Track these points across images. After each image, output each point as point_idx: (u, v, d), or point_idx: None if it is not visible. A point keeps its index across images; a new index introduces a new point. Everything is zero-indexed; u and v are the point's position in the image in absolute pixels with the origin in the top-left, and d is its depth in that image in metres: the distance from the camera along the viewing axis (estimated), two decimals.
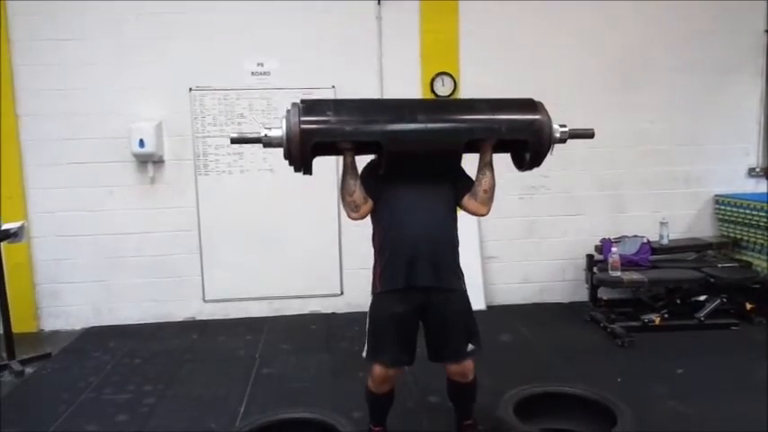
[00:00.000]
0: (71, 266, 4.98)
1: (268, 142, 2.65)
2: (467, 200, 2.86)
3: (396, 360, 2.77)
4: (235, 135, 2.78)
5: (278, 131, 2.63)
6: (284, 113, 2.66)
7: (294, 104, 2.69)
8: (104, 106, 4.87)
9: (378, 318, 2.80)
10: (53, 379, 4.02)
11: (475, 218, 5.11)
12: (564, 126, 2.89)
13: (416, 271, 2.71)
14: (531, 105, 2.87)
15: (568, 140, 5.48)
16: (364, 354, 2.82)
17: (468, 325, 2.82)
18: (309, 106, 2.69)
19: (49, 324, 5.02)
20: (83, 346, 4.63)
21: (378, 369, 2.78)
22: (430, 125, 2.69)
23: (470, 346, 2.80)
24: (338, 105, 2.84)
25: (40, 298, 5.00)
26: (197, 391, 3.73)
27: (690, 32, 5.22)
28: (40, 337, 4.88)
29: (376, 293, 2.83)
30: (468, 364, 2.84)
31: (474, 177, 2.88)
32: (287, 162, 2.69)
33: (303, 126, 2.58)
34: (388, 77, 5.07)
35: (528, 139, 2.77)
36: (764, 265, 4.88)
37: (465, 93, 5.11)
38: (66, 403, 3.57)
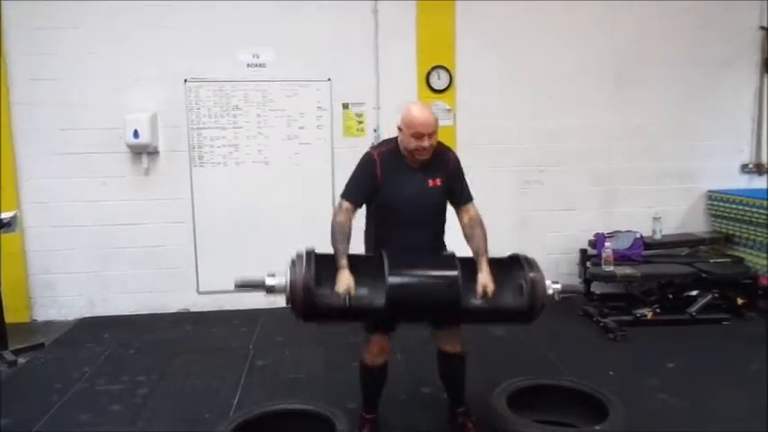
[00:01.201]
0: (65, 257, 4.96)
1: (271, 290, 2.65)
2: (461, 213, 2.95)
3: (385, 326, 2.91)
4: (239, 280, 2.75)
5: (282, 279, 2.63)
6: (290, 262, 2.68)
7: (300, 256, 2.70)
8: (99, 97, 4.84)
9: None
10: (46, 369, 4.01)
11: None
12: (556, 283, 2.84)
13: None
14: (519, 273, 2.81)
15: (562, 134, 5.55)
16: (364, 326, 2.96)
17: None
18: (317, 260, 2.69)
19: (42, 314, 5.01)
20: (76, 336, 4.62)
21: (376, 338, 2.91)
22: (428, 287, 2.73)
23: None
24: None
25: (33, 288, 4.98)
26: (191, 382, 3.74)
27: (684, 28, 5.24)
28: (32, 327, 4.86)
29: None
30: (457, 339, 2.98)
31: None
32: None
33: (306, 280, 2.59)
34: (384, 70, 5.07)
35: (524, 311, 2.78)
36: (756, 260, 4.91)
37: (461, 87, 5.13)
38: (60, 393, 3.57)
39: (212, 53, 4.93)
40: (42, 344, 4.39)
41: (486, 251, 2.83)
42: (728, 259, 5.02)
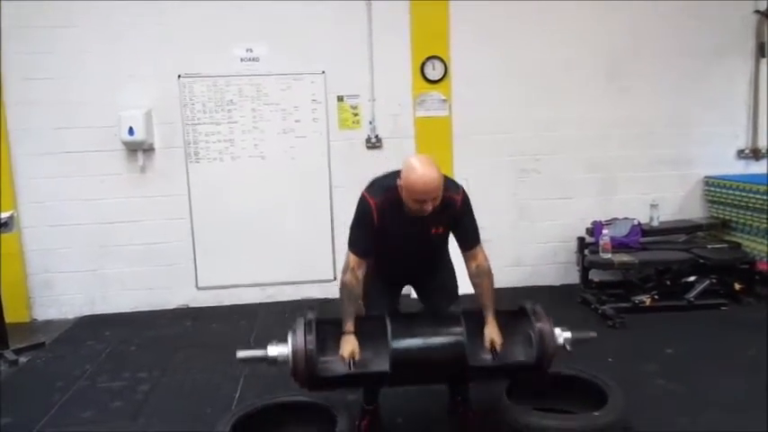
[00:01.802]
0: (63, 256, 4.97)
1: (273, 361, 2.63)
2: (467, 257, 2.82)
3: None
4: (241, 355, 2.72)
5: (284, 350, 2.60)
6: (291, 329, 2.64)
7: (300, 321, 2.67)
8: (94, 95, 4.84)
9: (368, 275, 2.88)
10: (47, 367, 4.02)
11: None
12: (566, 330, 2.76)
13: (406, 278, 3.00)
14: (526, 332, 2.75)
15: (558, 123, 5.53)
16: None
17: (451, 290, 2.99)
18: (318, 326, 2.65)
19: (42, 314, 5.02)
20: (77, 334, 4.63)
21: None
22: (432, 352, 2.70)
23: (452, 308, 2.93)
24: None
25: (32, 288, 4.99)
26: (192, 378, 3.75)
27: (678, 15, 5.21)
28: (33, 326, 4.88)
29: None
30: None
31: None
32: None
33: (310, 348, 2.56)
34: (379, 62, 5.05)
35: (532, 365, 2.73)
36: (753, 245, 4.92)
37: (456, 77, 5.11)
38: (61, 391, 3.59)
39: (205, 48, 4.92)
40: (43, 343, 4.41)
41: (493, 304, 2.76)
42: (726, 245, 5.02)
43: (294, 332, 2.62)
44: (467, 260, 2.79)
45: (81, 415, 3.31)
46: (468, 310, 2.80)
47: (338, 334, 2.69)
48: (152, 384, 3.66)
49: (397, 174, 2.62)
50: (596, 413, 2.75)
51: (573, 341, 2.77)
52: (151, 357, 4.07)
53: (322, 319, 2.72)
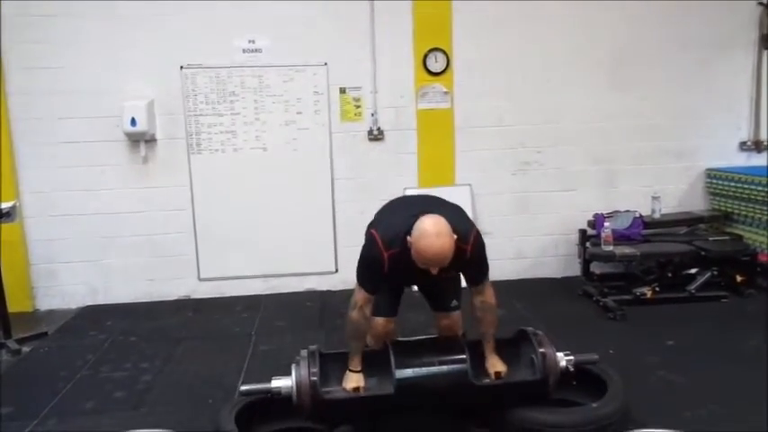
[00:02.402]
0: (65, 246, 4.97)
1: (278, 393, 2.62)
2: (474, 293, 2.83)
3: (390, 312, 2.97)
4: (244, 389, 2.72)
5: (287, 382, 2.60)
6: (295, 361, 2.65)
7: (304, 353, 2.67)
8: (95, 85, 4.83)
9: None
10: (50, 357, 4.04)
11: (468, 194, 5.17)
12: (569, 354, 2.78)
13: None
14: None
15: (560, 115, 5.51)
16: None
17: (455, 285, 3.01)
18: (322, 358, 2.67)
19: (45, 303, 5.03)
20: (79, 324, 4.64)
21: (379, 321, 2.92)
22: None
23: (454, 302, 3.01)
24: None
25: (35, 278, 5.00)
26: (194, 368, 3.76)
27: (682, 6, 5.18)
28: (35, 316, 4.89)
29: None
30: (456, 318, 3.03)
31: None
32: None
33: (314, 380, 2.57)
34: (381, 54, 5.04)
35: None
36: (755, 238, 4.92)
37: (458, 69, 5.10)
38: (64, 381, 3.60)
39: (208, 40, 4.91)
40: (45, 332, 4.42)
41: (493, 338, 2.81)
42: (727, 237, 5.03)
43: (298, 364, 2.63)
44: (473, 294, 2.81)
45: (83, 405, 3.32)
46: (470, 340, 2.84)
47: (342, 367, 2.71)
48: (154, 375, 3.68)
49: (407, 217, 2.59)
50: (595, 404, 2.76)
51: (576, 363, 2.79)
52: (153, 348, 4.08)
53: (325, 353, 2.74)
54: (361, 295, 2.69)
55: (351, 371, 2.72)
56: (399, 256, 2.60)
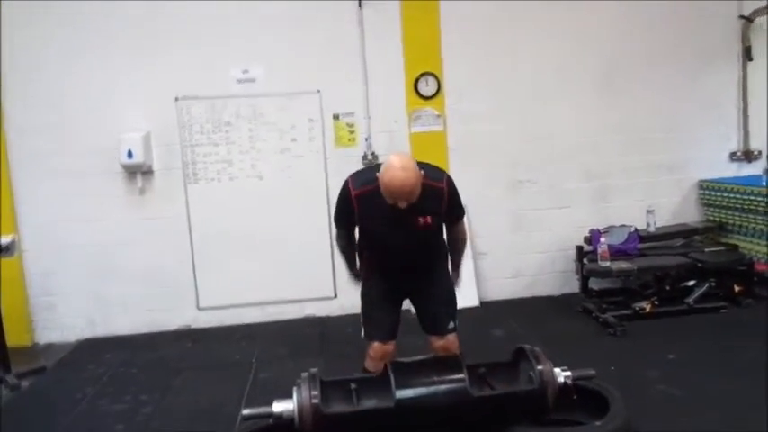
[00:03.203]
0: (63, 279, 4.98)
1: (279, 417, 2.62)
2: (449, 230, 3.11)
3: (387, 335, 2.99)
4: (246, 413, 2.71)
5: (289, 405, 2.60)
6: (296, 384, 2.66)
7: (305, 376, 2.68)
8: (92, 118, 4.89)
9: (368, 295, 3.06)
10: (49, 391, 4.02)
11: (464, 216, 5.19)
12: (566, 370, 2.78)
13: (404, 279, 3.01)
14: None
15: (552, 133, 5.57)
16: (363, 334, 3.05)
17: (450, 303, 3.06)
18: (322, 382, 2.68)
19: (44, 337, 5.01)
20: (78, 357, 4.63)
21: (376, 345, 2.98)
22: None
23: (451, 324, 3.02)
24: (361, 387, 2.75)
25: (33, 311, 4.99)
26: (194, 399, 3.74)
27: (667, 21, 5.29)
28: (34, 350, 4.87)
29: (365, 279, 3.12)
30: (453, 340, 3.03)
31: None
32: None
33: (315, 402, 2.56)
34: (373, 79, 5.11)
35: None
36: (750, 247, 4.94)
37: (449, 92, 5.17)
38: (63, 415, 3.58)
39: (202, 70, 4.98)
40: (44, 367, 4.40)
41: (459, 266, 3.22)
42: (723, 247, 5.05)
43: (299, 387, 2.63)
44: (448, 230, 3.08)
45: None
46: (470, 363, 2.83)
47: (343, 391, 2.69)
48: (154, 406, 3.65)
49: (379, 166, 2.75)
50: (598, 423, 2.75)
51: (574, 379, 2.79)
52: (153, 379, 4.06)
53: (325, 379, 2.74)
54: (339, 233, 3.10)
55: (351, 275, 3.21)
56: (370, 195, 2.73)
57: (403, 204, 2.63)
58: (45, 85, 4.84)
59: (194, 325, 5.13)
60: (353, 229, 3.03)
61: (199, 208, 5.07)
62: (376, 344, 2.98)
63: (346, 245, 3.12)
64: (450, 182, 2.85)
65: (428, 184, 2.70)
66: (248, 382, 3.93)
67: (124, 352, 4.61)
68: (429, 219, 2.80)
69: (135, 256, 5.03)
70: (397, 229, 2.77)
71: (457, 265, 3.20)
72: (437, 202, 2.78)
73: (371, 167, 2.98)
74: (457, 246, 3.13)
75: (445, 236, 3.10)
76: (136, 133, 4.87)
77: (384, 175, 2.62)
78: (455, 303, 3.08)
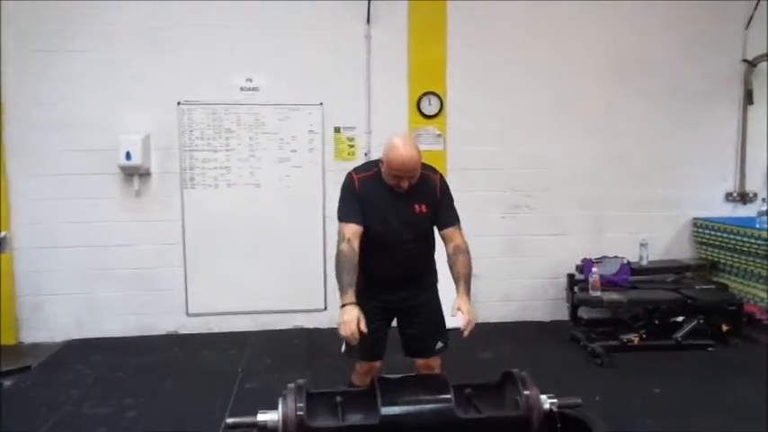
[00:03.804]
0: (53, 278, 4.94)
1: (263, 427, 2.55)
2: (446, 238, 2.91)
3: (369, 356, 2.94)
4: (231, 421, 2.60)
5: (274, 416, 2.54)
6: (282, 394, 2.58)
7: (291, 388, 2.60)
8: (92, 118, 4.87)
9: None
10: (32, 392, 3.98)
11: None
12: (552, 397, 2.72)
13: (392, 299, 2.92)
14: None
15: (550, 160, 5.62)
16: (342, 350, 2.93)
17: (438, 327, 3.00)
18: (309, 394, 2.61)
19: (30, 336, 4.97)
20: (64, 358, 4.59)
21: (363, 364, 2.97)
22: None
23: (439, 344, 2.99)
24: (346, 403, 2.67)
25: (20, 310, 4.95)
26: (179, 405, 3.72)
27: (669, 60, 5.36)
28: (19, 349, 4.82)
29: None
30: (436, 361, 3.01)
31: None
32: None
33: (300, 414, 2.49)
34: (376, 95, 5.14)
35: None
36: (740, 288, 4.98)
37: (451, 113, 5.21)
38: (46, 416, 3.54)
39: (206, 76, 4.99)
40: (29, 366, 4.36)
41: (466, 278, 2.77)
42: (713, 286, 5.08)
43: (284, 398, 2.63)
44: (446, 241, 2.88)
45: None
46: (457, 384, 2.83)
47: (329, 404, 2.69)
48: (138, 411, 3.63)
49: (378, 161, 2.84)
50: None
51: (560, 406, 2.81)
52: (138, 384, 4.04)
53: (312, 391, 2.74)
54: (346, 229, 2.76)
55: (346, 304, 2.57)
56: (371, 181, 2.82)
57: (404, 184, 2.71)
58: (46, 85, 4.82)
59: (182, 331, 5.11)
60: (361, 223, 2.75)
61: (194, 213, 5.06)
62: (363, 363, 2.98)
63: (353, 254, 2.68)
64: (443, 178, 2.93)
65: (423, 173, 2.81)
66: (234, 391, 3.92)
67: (111, 355, 4.58)
68: (424, 207, 2.83)
69: (126, 259, 5.01)
70: (395, 216, 2.80)
71: (461, 278, 2.76)
72: (431, 192, 2.85)
73: (370, 161, 3.10)
74: (460, 258, 2.79)
75: (445, 255, 2.95)
76: (135, 135, 4.86)
77: (389, 154, 2.70)
78: (443, 323, 3.05)
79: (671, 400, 3.76)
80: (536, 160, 5.33)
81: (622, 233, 5.38)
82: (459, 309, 2.66)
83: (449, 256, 2.85)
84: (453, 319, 2.88)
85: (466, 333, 2.64)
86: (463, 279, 2.76)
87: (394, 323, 3.07)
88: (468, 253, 2.84)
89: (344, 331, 2.54)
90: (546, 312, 5.41)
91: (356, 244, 2.71)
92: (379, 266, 2.86)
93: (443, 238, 2.90)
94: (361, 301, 2.88)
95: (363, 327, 2.54)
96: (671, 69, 5.37)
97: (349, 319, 2.53)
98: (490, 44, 5.21)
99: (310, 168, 5.15)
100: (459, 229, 2.89)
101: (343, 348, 2.95)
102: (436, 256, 3.05)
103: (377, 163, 2.85)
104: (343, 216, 2.81)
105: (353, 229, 2.74)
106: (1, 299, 4.72)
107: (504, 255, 5.36)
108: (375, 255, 2.83)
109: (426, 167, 2.85)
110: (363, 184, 2.83)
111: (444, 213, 2.88)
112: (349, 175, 2.90)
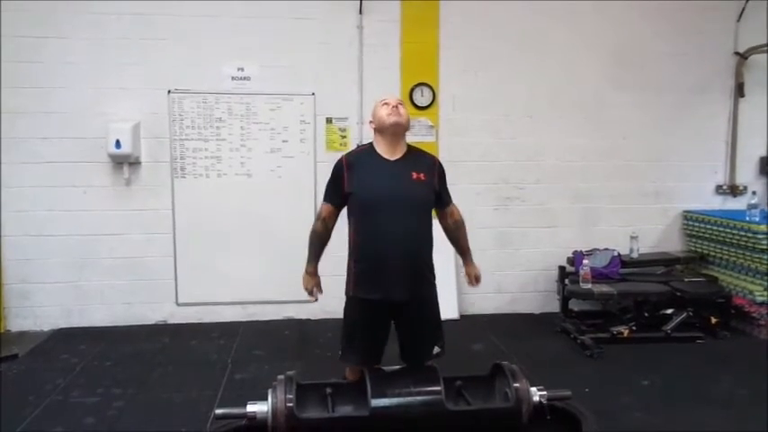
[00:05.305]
0: (42, 267, 4.91)
1: (253, 417, 2.62)
2: (444, 215, 3.16)
3: (365, 361, 2.94)
4: (220, 412, 2.72)
5: (263, 407, 2.62)
6: (272, 386, 2.66)
7: (281, 379, 2.69)
8: (82, 106, 4.83)
9: (352, 323, 2.96)
10: (19, 380, 3.94)
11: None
12: (542, 390, 2.85)
13: (392, 284, 2.84)
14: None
15: (542, 153, 5.61)
16: (340, 355, 3.03)
17: (435, 331, 3.03)
18: (298, 386, 2.68)
19: (17, 325, 4.93)
20: (51, 347, 4.56)
21: (353, 367, 3.01)
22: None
23: (436, 349, 3.01)
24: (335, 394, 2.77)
25: (8, 298, 4.91)
26: (167, 395, 3.70)
27: (661, 52, 5.37)
28: (6, 337, 4.78)
29: (350, 296, 2.98)
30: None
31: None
32: None
33: (290, 405, 2.57)
34: (368, 86, 5.11)
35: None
36: (729, 280, 5.01)
37: (443, 104, 5.19)
38: (33, 405, 3.52)
39: (197, 65, 4.95)
40: (16, 354, 4.33)
41: (469, 249, 3.23)
42: (703, 278, 5.10)
43: (274, 389, 2.62)
44: (443, 217, 3.15)
45: (52, 430, 3.24)
46: (447, 376, 2.83)
47: (319, 396, 2.69)
48: (126, 401, 3.61)
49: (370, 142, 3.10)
50: None
51: (549, 399, 2.82)
52: (127, 373, 4.01)
53: (302, 383, 2.73)
54: (324, 207, 3.03)
55: (308, 273, 3.09)
56: (363, 155, 3.02)
57: (400, 110, 2.90)
58: (36, 72, 4.77)
59: (172, 320, 5.08)
60: (338, 209, 3.02)
61: (184, 202, 5.03)
62: (354, 366, 3.00)
63: (324, 231, 3.02)
64: (441, 163, 3.12)
65: (423, 151, 3.08)
66: (223, 382, 3.91)
67: (99, 344, 4.55)
68: (422, 176, 2.92)
69: (116, 248, 4.97)
70: (393, 181, 2.87)
71: (466, 249, 3.22)
72: (430, 166, 2.99)
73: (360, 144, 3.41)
74: (461, 231, 3.18)
75: (443, 228, 3.20)
76: (125, 123, 4.82)
77: (378, 106, 2.98)
78: (440, 326, 3.06)
79: (660, 392, 3.78)
80: (528, 152, 5.33)
81: (613, 226, 5.41)
82: (473, 275, 3.19)
83: (448, 229, 3.16)
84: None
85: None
86: (468, 250, 3.22)
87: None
88: (464, 224, 3.21)
89: (306, 286, 3.08)
90: (537, 304, 5.42)
91: (330, 223, 3.02)
92: (380, 239, 2.83)
93: (443, 216, 3.14)
94: (360, 298, 2.86)
95: (319, 291, 3.12)
96: (663, 62, 5.38)
97: (309, 283, 3.10)
98: (483, 36, 5.20)
99: (302, 159, 5.13)
100: (454, 205, 3.18)
101: (340, 354, 3.03)
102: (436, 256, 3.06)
103: (370, 143, 3.05)
104: (325, 196, 3.05)
105: (329, 210, 3.01)
106: None
107: (496, 247, 5.36)
108: (374, 226, 2.84)
109: (422, 150, 3.10)
110: (354, 157, 3.00)
111: (444, 194, 3.10)
112: (339, 159, 3.02)
